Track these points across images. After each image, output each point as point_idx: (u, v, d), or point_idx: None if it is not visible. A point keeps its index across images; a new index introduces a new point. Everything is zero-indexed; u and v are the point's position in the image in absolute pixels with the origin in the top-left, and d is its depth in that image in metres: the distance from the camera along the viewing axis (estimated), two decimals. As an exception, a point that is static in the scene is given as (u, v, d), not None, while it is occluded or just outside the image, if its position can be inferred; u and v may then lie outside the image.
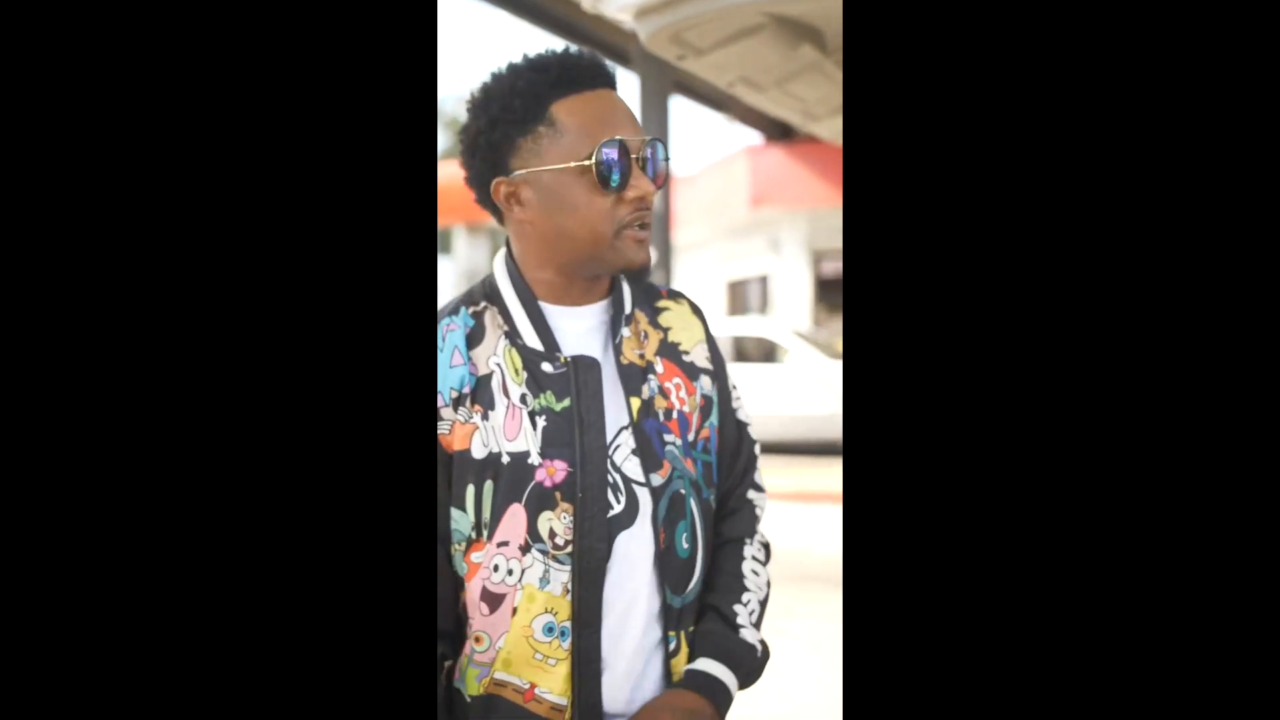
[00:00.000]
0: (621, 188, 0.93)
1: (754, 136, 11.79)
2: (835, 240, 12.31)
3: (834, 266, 12.70)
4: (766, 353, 9.11)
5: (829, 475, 7.74)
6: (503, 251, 1.02)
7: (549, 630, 0.94)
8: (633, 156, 0.93)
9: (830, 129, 3.04)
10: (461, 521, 0.94)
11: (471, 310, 0.99)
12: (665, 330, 1.06)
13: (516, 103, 0.94)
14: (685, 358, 1.05)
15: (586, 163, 0.92)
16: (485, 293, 1.01)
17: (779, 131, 11.43)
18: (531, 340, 0.97)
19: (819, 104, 2.74)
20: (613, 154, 0.92)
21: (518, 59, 0.97)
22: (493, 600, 0.94)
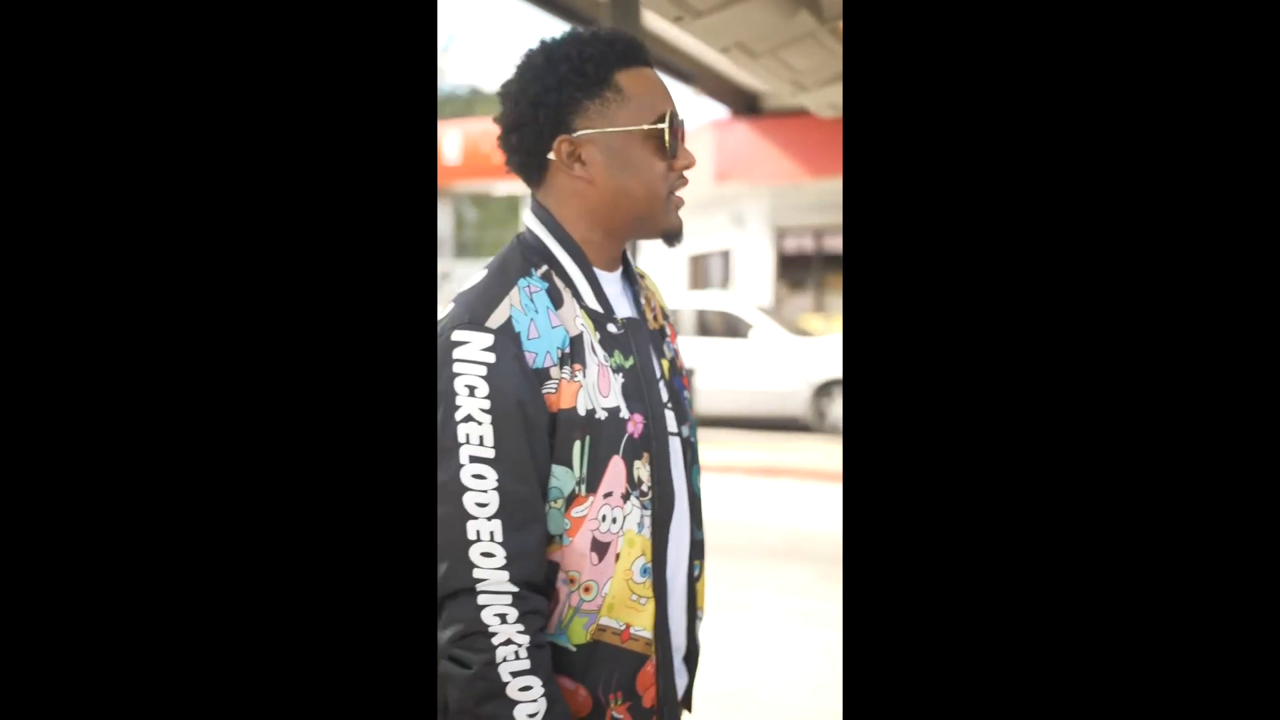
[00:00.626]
0: (674, 155, 1.04)
1: (720, 110, 11.75)
2: (798, 217, 12.36)
3: (796, 243, 12.76)
4: (730, 328, 9.14)
5: (790, 451, 7.82)
6: (535, 215, 1.07)
7: (644, 571, 1.04)
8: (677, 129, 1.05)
9: (817, 100, 3.04)
10: (565, 478, 1.00)
11: (540, 273, 1.03)
12: (653, 294, 1.20)
13: (588, 67, 1.02)
14: (670, 321, 1.21)
15: (660, 125, 1.02)
16: (540, 256, 1.05)
17: (745, 106, 11.41)
18: (593, 303, 1.05)
19: (810, 74, 2.72)
20: (671, 123, 1.03)
21: (572, 32, 1.07)
22: (601, 549, 1.01)
